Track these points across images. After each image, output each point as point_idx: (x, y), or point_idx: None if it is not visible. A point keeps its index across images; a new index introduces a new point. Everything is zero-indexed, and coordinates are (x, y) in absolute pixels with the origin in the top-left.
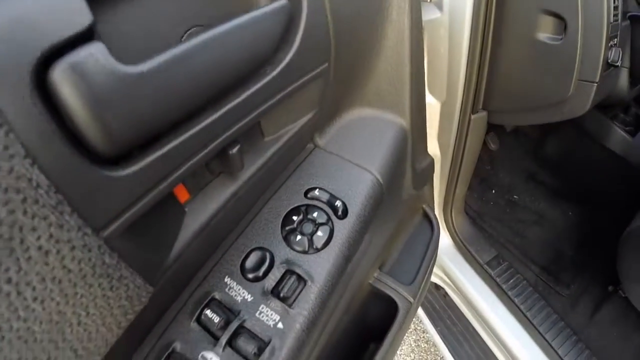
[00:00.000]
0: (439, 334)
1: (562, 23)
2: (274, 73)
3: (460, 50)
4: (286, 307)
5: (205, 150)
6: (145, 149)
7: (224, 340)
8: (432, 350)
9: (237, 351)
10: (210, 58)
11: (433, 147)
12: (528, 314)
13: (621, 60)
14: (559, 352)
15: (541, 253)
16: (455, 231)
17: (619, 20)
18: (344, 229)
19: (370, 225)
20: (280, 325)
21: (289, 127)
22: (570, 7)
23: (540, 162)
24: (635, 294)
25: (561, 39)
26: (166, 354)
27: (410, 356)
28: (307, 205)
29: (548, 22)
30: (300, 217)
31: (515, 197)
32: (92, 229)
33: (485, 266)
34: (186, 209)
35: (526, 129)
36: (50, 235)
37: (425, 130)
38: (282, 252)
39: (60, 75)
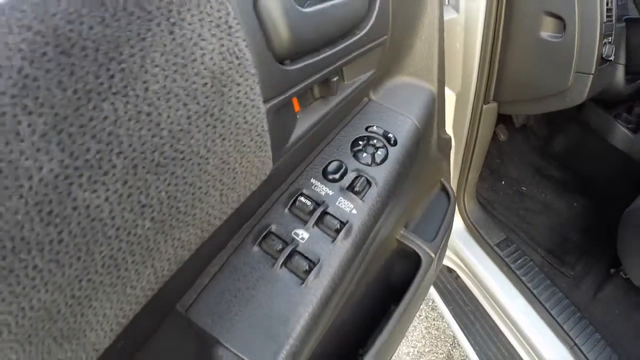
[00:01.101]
0: (451, 313)
1: (561, 23)
2: (360, 34)
3: (474, 46)
4: (358, 199)
5: (323, 72)
6: (301, 57)
7: (312, 220)
8: (442, 337)
9: (322, 229)
10: (336, 15)
11: (450, 132)
12: (535, 292)
13: (616, 56)
14: (564, 327)
15: (547, 238)
16: (468, 215)
17: (613, 21)
18: (396, 152)
19: (412, 156)
20: (354, 211)
21: (358, 78)
22: (569, 9)
23: (547, 158)
24: (634, 268)
25: (561, 36)
26: (265, 232)
27: (422, 342)
28: (368, 136)
29: (550, 22)
30: (364, 142)
31: (523, 188)
32: (264, 99)
33: (495, 247)
34: (298, 117)
35: (534, 126)
36: (246, 93)
37: (444, 104)
38: (352, 164)
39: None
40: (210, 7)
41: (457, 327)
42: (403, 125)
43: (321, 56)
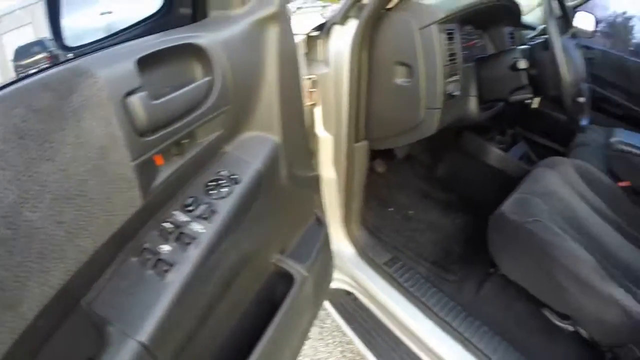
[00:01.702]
0: (354, 332)
1: (410, 70)
2: (203, 109)
3: (343, 96)
4: (206, 222)
5: (175, 138)
6: (157, 130)
7: (172, 238)
8: (357, 359)
9: (178, 244)
10: (181, 100)
11: (332, 172)
12: (423, 299)
13: (466, 90)
14: (454, 325)
15: (432, 252)
16: (356, 241)
17: (458, 63)
18: (239, 188)
19: (254, 191)
20: (202, 230)
21: (208, 138)
22: (414, 58)
23: (432, 183)
24: (505, 264)
25: (410, 81)
26: (141, 248)
27: None
28: (218, 178)
29: (401, 70)
30: (215, 183)
31: (410, 212)
32: (132, 159)
33: (384, 266)
34: (161, 169)
35: (419, 156)
36: (120, 157)
37: (303, 149)
38: (204, 199)
39: (132, 100)
40: (98, 108)
41: (361, 345)
42: (247, 168)
43: (172, 128)
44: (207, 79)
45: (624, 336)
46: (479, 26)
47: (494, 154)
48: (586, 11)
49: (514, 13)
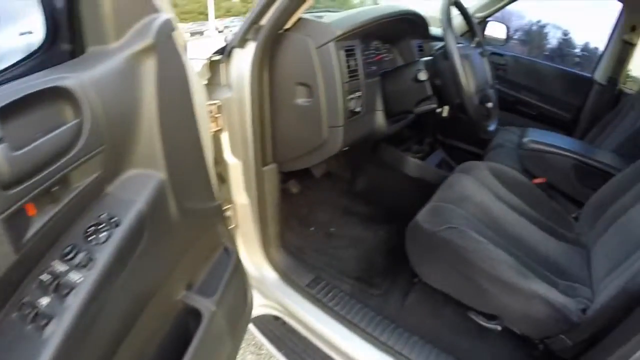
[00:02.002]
0: (286, 358)
1: (310, 89)
2: (72, 153)
3: (247, 120)
4: (85, 270)
5: (44, 186)
6: (23, 181)
7: (50, 290)
8: None
9: (57, 295)
10: (45, 147)
11: (244, 198)
12: (349, 317)
13: (371, 105)
14: (382, 339)
15: (355, 268)
16: (277, 265)
17: (360, 79)
18: (119, 231)
19: (136, 231)
20: (81, 279)
21: (85, 180)
22: (313, 78)
23: (353, 198)
24: (424, 273)
25: (311, 100)
26: (20, 303)
27: None
28: (97, 223)
29: (301, 90)
30: (94, 228)
31: (332, 229)
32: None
33: (307, 288)
34: (34, 219)
35: (338, 172)
36: None
37: (200, 180)
38: (83, 246)
39: None
40: None
41: None
42: (128, 209)
43: (39, 176)
44: (75, 121)
45: (552, 328)
46: (387, 40)
47: (412, 164)
48: (497, 21)
49: (420, 25)
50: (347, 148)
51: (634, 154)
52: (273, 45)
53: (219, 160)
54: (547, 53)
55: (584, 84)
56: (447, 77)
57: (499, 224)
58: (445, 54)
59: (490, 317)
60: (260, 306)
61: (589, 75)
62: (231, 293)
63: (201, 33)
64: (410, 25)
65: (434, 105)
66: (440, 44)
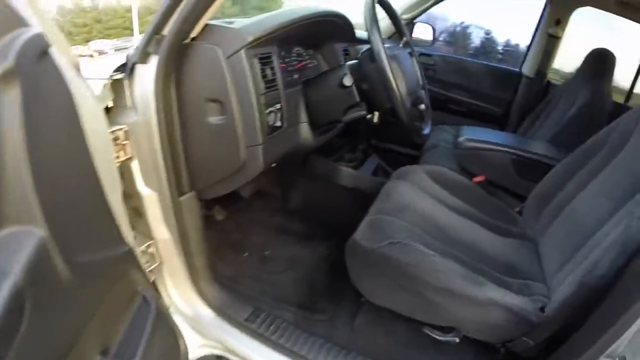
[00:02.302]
0: None
1: (222, 105)
2: None
3: (156, 145)
4: None
5: None
6: None
7: None
8: None
9: None
10: None
11: (165, 232)
12: (295, 349)
13: (294, 118)
14: None
15: (296, 292)
16: (211, 301)
17: (280, 89)
18: None
19: (18, 306)
20: None
21: None
22: (224, 92)
23: (288, 215)
24: (367, 292)
25: (224, 118)
26: None
27: None
28: None
29: (213, 107)
30: None
31: (267, 252)
32: None
33: (246, 323)
34: None
35: (269, 190)
36: None
37: (101, 226)
38: None
39: None
40: None
41: None
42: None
43: None
44: None
45: (513, 331)
46: (309, 45)
47: (345, 174)
48: (423, 22)
49: (345, 28)
50: (274, 165)
51: (569, 143)
52: (178, 57)
53: (132, 192)
54: (471, 52)
55: (513, 79)
56: (375, 80)
57: (443, 230)
58: (371, 55)
59: (447, 330)
60: (200, 347)
61: (516, 69)
62: (156, 347)
63: (127, 49)
64: (334, 27)
65: (363, 112)
66: (367, 47)
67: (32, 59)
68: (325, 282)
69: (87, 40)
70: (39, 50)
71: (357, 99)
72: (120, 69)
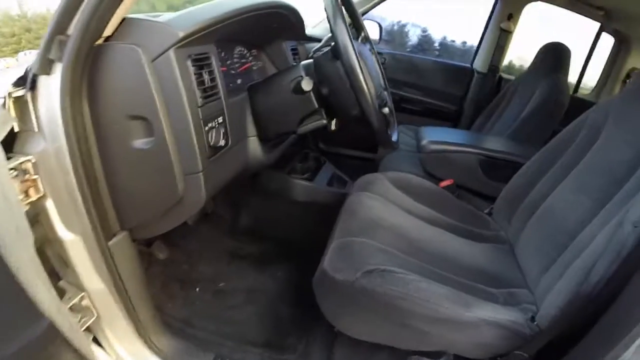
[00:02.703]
0: None
1: (149, 124)
2: None
3: (72, 178)
4: None
5: None
6: None
7: None
8: None
9: None
10: None
11: (97, 282)
12: None
13: (233, 136)
14: None
15: (259, 329)
16: (163, 353)
17: (222, 99)
18: None
19: None
20: None
21: None
22: (150, 106)
23: (240, 237)
24: (349, 329)
25: (152, 140)
26: None
27: None
28: None
29: (138, 127)
30: None
31: (221, 284)
32: None
33: None
34: None
35: (219, 211)
36: None
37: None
38: None
39: None
40: None
41: None
42: None
43: None
44: None
45: (505, 346)
46: (253, 44)
47: (299, 188)
48: (370, 19)
49: (294, 23)
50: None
51: (529, 139)
52: (90, 64)
53: (53, 238)
54: (409, 49)
55: (465, 74)
56: (337, 83)
57: (418, 245)
58: (334, 52)
59: (435, 355)
60: None
61: (468, 65)
62: None
63: None
64: (282, 22)
65: (324, 121)
66: (319, 45)
67: None
68: (292, 314)
69: (16, 52)
70: None
71: (316, 105)
72: (20, 82)
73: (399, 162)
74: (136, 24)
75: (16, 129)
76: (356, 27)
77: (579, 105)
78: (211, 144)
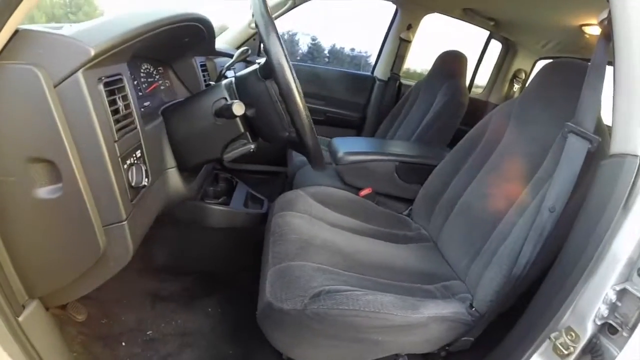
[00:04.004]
0: None
1: (54, 167)
2: None
3: None
4: None
5: None
6: None
7: None
8: None
9: None
10: None
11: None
12: None
13: (153, 172)
14: None
15: None
16: None
17: (139, 128)
18: None
19: None
20: None
21: None
22: (56, 145)
23: (158, 276)
24: (302, 357)
25: (60, 187)
26: None
27: None
28: None
29: (41, 171)
30: None
31: (149, 333)
32: None
33: None
34: None
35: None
36: None
37: None
38: None
39: None
40: None
41: None
42: None
43: None
44: None
45: (452, 336)
46: (159, 61)
47: (217, 213)
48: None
49: (206, 36)
50: None
51: (433, 140)
52: None
53: None
54: (299, 58)
55: (367, 83)
56: (265, 104)
57: (353, 258)
58: (265, 70)
59: (391, 358)
60: None
61: (369, 74)
62: None
63: None
64: (194, 36)
65: (252, 147)
66: (230, 61)
67: None
68: (238, 352)
69: None
70: None
71: (242, 129)
72: None
73: (315, 175)
74: (34, 38)
75: None
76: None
77: (474, 103)
78: (132, 184)
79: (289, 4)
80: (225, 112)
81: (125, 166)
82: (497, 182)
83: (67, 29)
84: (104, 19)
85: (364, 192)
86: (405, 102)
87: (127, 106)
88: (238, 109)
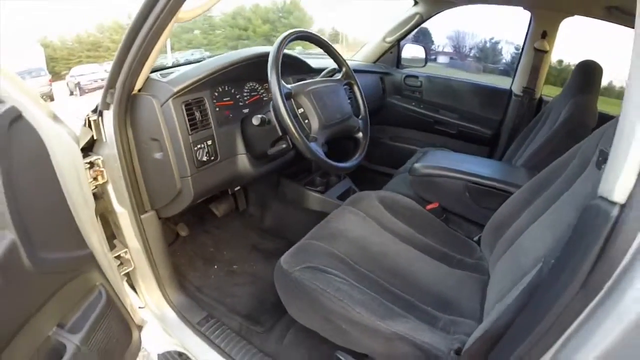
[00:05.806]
0: None
1: (160, 144)
2: None
3: (121, 173)
4: None
5: None
6: None
7: None
8: None
9: None
10: None
11: (136, 243)
12: (232, 353)
13: (220, 154)
14: None
15: (247, 305)
16: (173, 304)
17: (213, 128)
18: None
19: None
20: None
21: None
22: (160, 133)
23: (262, 234)
24: (293, 313)
25: (162, 154)
26: None
27: None
28: None
29: (156, 145)
30: None
31: (235, 266)
32: None
33: (197, 326)
34: None
35: (251, 209)
36: None
37: (64, 234)
38: None
39: None
40: None
41: None
42: None
43: None
44: None
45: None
46: (264, 80)
47: (311, 198)
48: (412, 43)
49: (296, 63)
50: (238, 188)
51: (538, 165)
52: (130, 105)
53: (111, 209)
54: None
55: (503, 97)
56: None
57: (377, 258)
58: (289, 94)
59: (359, 356)
60: (166, 343)
61: (507, 88)
62: (103, 329)
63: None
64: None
65: (284, 145)
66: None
67: (3, 128)
68: (273, 300)
69: None
70: (9, 120)
71: (280, 133)
72: (94, 111)
73: (399, 183)
74: (153, 82)
75: (95, 137)
76: (337, 64)
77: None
78: (199, 158)
79: (417, 18)
80: (262, 123)
81: (195, 148)
82: (553, 224)
83: (171, 75)
84: (193, 67)
85: (430, 206)
86: (538, 120)
87: (203, 115)
88: (255, 120)
